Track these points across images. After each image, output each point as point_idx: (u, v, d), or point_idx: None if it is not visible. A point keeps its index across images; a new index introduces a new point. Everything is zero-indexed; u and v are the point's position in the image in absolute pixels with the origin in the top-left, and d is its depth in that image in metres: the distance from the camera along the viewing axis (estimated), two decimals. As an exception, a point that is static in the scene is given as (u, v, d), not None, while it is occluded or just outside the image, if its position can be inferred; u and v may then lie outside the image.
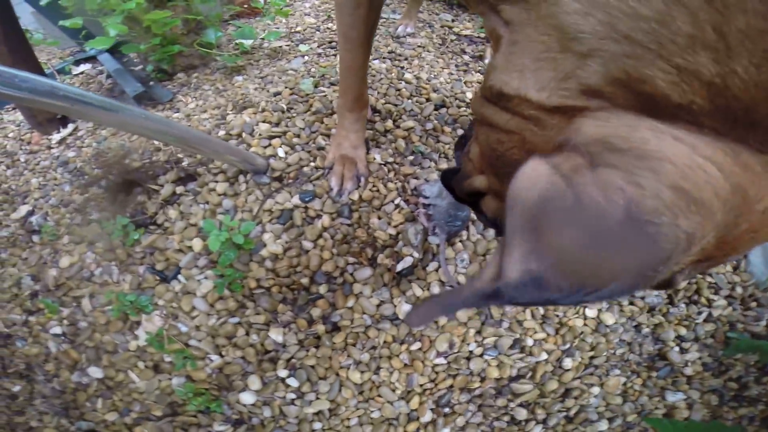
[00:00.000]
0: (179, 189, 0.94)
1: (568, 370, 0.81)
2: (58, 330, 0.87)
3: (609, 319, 0.81)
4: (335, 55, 1.26)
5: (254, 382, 0.79)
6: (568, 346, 0.80)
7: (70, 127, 1.28)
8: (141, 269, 0.87)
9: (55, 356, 0.86)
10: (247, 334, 0.80)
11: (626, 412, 0.83)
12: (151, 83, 1.35)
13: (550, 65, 0.29)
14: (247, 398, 0.79)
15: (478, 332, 0.80)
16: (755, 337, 0.85)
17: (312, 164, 0.93)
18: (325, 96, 1.07)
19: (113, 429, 0.82)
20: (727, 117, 0.22)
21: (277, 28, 1.46)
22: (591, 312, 0.81)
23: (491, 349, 0.80)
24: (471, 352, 0.80)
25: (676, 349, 0.84)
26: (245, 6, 1.61)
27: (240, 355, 0.79)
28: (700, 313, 0.86)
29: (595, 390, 0.82)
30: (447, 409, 0.79)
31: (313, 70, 1.19)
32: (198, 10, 1.33)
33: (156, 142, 1.10)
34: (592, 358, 0.81)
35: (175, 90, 1.29)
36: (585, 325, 0.81)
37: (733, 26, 0.20)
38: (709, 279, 0.89)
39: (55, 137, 1.27)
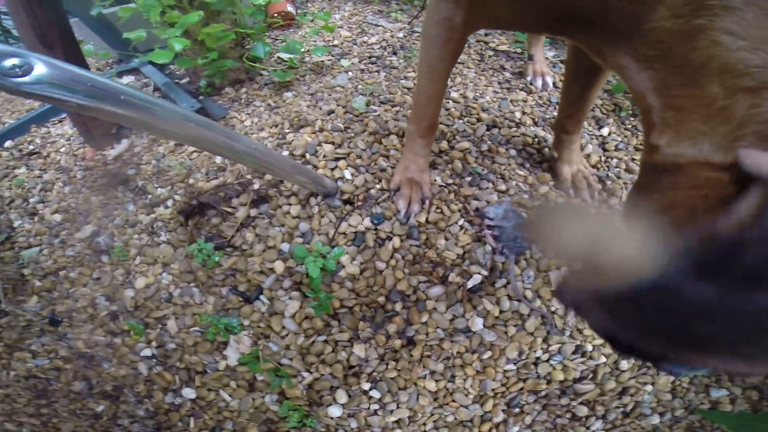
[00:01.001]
0: (253, 212, 0.98)
1: (624, 371, 0.88)
2: (148, 352, 0.92)
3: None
4: (378, 71, 1.29)
5: (341, 396, 0.85)
6: (627, 354, 0.87)
7: (125, 142, 1.31)
8: (224, 291, 0.92)
9: (146, 378, 0.91)
10: (334, 351, 0.86)
11: (675, 407, 0.90)
12: (201, 98, 1.37)
13: (723, 117, 0.29)
14: (334, 411, 0.85)
15: (544, 340, 0.87)
16: None
17: (377, 186, 0.97)
18: (378, 115, 1.11)
19: None
20: None
21: (316, 43, 1.48)
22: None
23: (556, 355, 0.86)
24: (538, 358, 0.86)
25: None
26: (277, 15, 1.62)
27: (329, 372, 0.85)
28: None
29: (648, 388, 0.89)
30: (516, 410, 0.86)
31: (360, 87, 1.23)
32: (245, 23, 1.35)
33: (218, 160, 1.13)
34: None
35: (226, 106, 1.32)
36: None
37: None
38: None
39: (111, 153, 1.30)
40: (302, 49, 1.37)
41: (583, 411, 0.88)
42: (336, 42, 1.46)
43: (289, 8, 1.59)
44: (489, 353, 0.86)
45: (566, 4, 0.46)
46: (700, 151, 0.30)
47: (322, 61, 1.37)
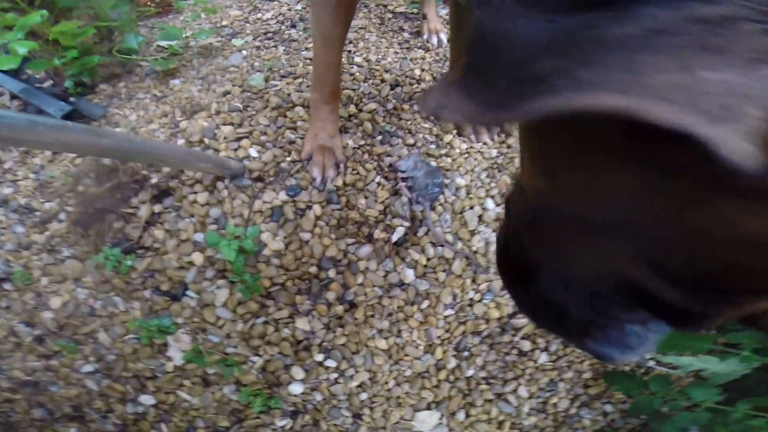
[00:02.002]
0: (157, 207, 0.90)
1: None
2: (89, 368, 0.85)
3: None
4: (275, 46, 1.23)
5: (298, 372, 0.82)
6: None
7: (-10, 161, 1.13)
8: (146, 293, 0.84)
9: (99, 392, 0.85)
10: (277, 330, 0.83)
11: None
12: (72, 99, 1.22)
13: None
14: (296, 389, 0.82)
15: (473, 281, 0.90)
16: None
17: (288, 159, 0.94)
18: (279, 89, 1.06)
19: None
20: None
21: (200, 26, 1.37)
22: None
23: (487, 294, 0.90)
24: (471, 299, 0.90)
25: None
26: (150, 3, 1.47)
27: (277, 351, 0.82)
28: None
29: None
30: (466, 353, 0.89)
31: (256, 64, 1.16)
32: (107, 15, 1.21)
33: (107, 161, 1.02)
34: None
35: (104, 104, 1.18)
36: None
37: None
38: None
39: (-23, 176, 1.11)
40: (184, 34, 1.26)
41: (527, 345, 0.92)
42: (225, 22, 1.36)
43: (162, -8, 1.45)
44: (426, 302, 0.88)
45: None
46: None
47: (210, 44, 1.27)
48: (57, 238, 0.94)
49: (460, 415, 0.90)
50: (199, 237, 0.86)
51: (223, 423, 0.83)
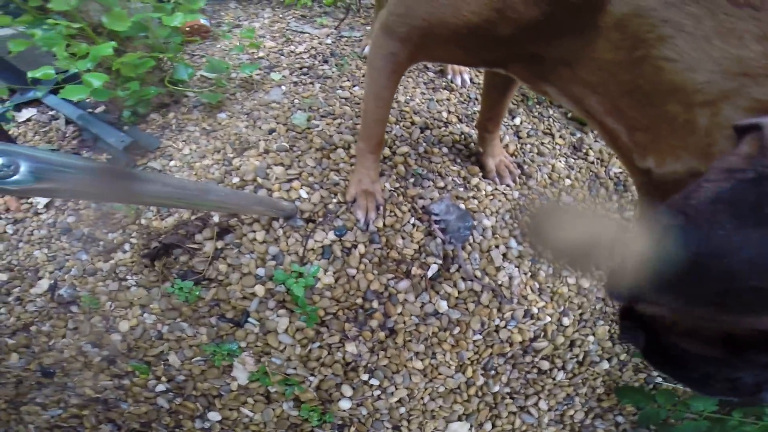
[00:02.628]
0: (219, 244, 1.01)
1: (567, 326, 1.07)
2: (162, 387, 0.96)
3: (585, 282, 1.08)
4: (312, 83, 1.32)
5: (347, 390, 0.95)
6: (562, 308, 1.06)
7: (51, 187, 1.22)
8: (212, 320, 0.96)
9: (169, 410, 0.96)
10: (330, 353, 0.95)
11: (617, 352, 1.11)
12: (126, 128, 1.31)
13: (689, 129, 0.33)
14: (345, 404, 0.95)
15: (499, 310, 1.03)
16: None
17: (334, 201, 1.04)
18: (321, 130, 1.16)
19: None
20: None
21: (238, 57, 1.45)
22: (572, 280, 1.07)
23: (510, 321, 1.03)
24: (497, 326, 1.02)
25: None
26: (190, 29, 1.55)
27: (331, 372, 0.94)
28: None
29: (591, 338, 1.09)
30: (492, 372, 1.02)
31: (296, 102, 1.26)
32: (161, 46, 1.29)
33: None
34: (581, 314, 1.08)
35: (156, 134, 1.28)
36: (570, 290, 1.07)
37: None
38: None
39: (41, 201, 1.21)
40: (227, 67, 1.34)
41: (546, 365, 1.06)
42: (261, 54, 1.45)
43: (203, 21, 1.53)
44: (458, 329, 1.00)
45: (509, 45, 0.51)
46: (687, 163, 0.34)
47: (251, 77, 1.36)
48: (122, 267, 1.04)
49: (488, 426, 1.04)
50: (260, 271, 0.97)
51: None
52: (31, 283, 1.06)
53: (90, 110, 1.38)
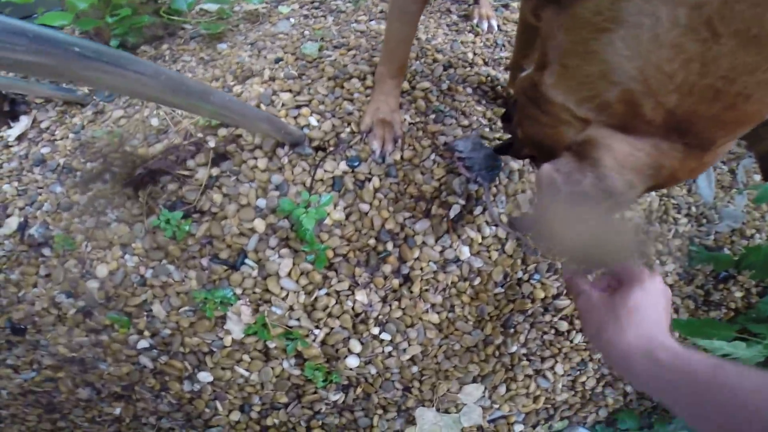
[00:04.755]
0: (214, 171, 0.85)
1: None
2: (144, 343, 0.81)
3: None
4: (324, 16, 1.17)
5: (355, 345, 0.81)
6: (590, 263, 0.93)
7: (25, 119, 1.06)
8: (204, 262, 0.80)
9: (154, 370, 0.81)
10: (338, 302, 0.80)
11: None
12: (114, 58, 1.14)
13: (589, 88, 0.41)
14: (352, 362, 0.81)
15: (523, 261, 0.89)
16: (707, 249, 1.04)
17: (347, 130, 0.90)
18: (335, 60, 1.01)
19: (242, 427, 0.82)
20: (670, 128, 0.38)
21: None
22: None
23: (534, 274, 0.89)
24: (520, 279, 0.89)
25: (657, 262, 1.00)
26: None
27: (339, 324, 0.80)
28: (669, 230, 1.02)
29: None
30: (512, 330, 0.88)
31: (307, 33, 1.11)
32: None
33: (154, 122, 0.96)
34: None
35: (148, 64, 1.11)
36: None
37: (689, 85, 0.36)
38: (672, 201, 1.06)
39: (11, 133, 1.04)
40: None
41: (564, 326, 0.92)
42: (267, -12, 1.30)
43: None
44: (479, 279, 0.86)
45: None
46: (567, 101, 0.44)
47: (256, 10, 1.21)
48: (101, 200, 0.88)
49: (502, 389, 0.90)
50: (261, 202, 0.82)
51: (281, 399, 0.81)
52: (0, 222, 0.90)
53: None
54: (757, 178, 1.15)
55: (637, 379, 0.45)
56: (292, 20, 1.16)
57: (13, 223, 0.89)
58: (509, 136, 0.70)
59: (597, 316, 0.51)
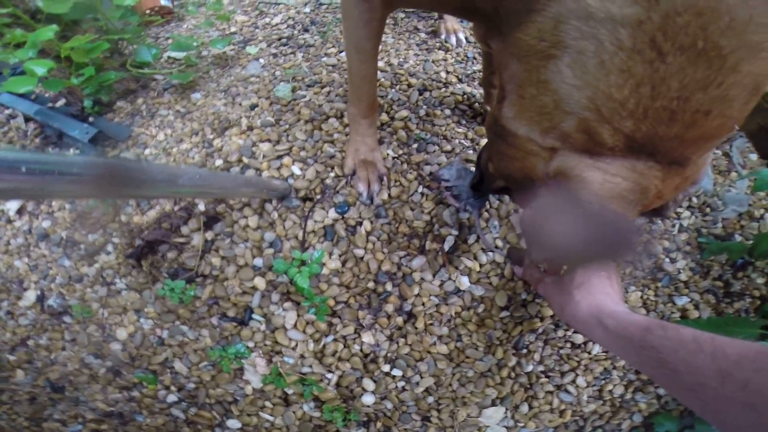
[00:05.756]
0: (209, 235, 0.93)
1: None
2: (173, 397, 0.92)
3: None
4: (293, 53, 1.23)
5: (368, 384, 0.89)
6: (593, 271, 0.99)
7: (16, 193, 1.14)
8: (214, 320, 0.89)
9: (186, 420, 0.92)
10: (346, 346, 0.89)
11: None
12: (91, 119, 1.21)
13: (548, 118, 0.44)
14: (368, 399, 0.89)
15: (526, 282, 0.96)
16: (717, 238, 1.07)
17: (331, 175, 0.96)
18: (309, 100, 1.07)
19: None
20: (636, 151, 0.40)
21: (209, 34, 1.35)
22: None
23: (539, 295, 0.96)
24: (525, 299, 0.96)
25: (667, 260, 1.05)
26: (150, 11, 1.44)
27: (349, 366, 0.88)
28: (674, 225, 1.08)
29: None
30: (524, 350, 0.96)
31: (278, 73, 1.17)
32: (115, 28, 1.19)
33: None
34: (611, 281, 1.01)
35: (126, 122, 1.19)
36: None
37: (643, 109, 0.37)
38: None
39: (10, 207, 1.12)
40: (195, 44, 1.24)
41: (579, 338, 0.99)
42: (234, 29, 1.35)
43: (163, 2, 1.42)
44: (482, 306, 0.94)
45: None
46: (531, 132, 0.46)
47: (224, 53, 1.27)
48: (108, 270, 0.97)
49: (524, 408, 0.98)
50: (258, 261, 0.90)
51: None
52: (18, 295, 1.02)
53: (50, 105, 1.28)
54: (753, 157, 1.20)
55: (601, 344, 0.55)
56: (261, 61, 1.22)
57: (31, 295, 1.00)
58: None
59: (557, 298, 0.64)
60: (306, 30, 1.30)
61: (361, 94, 0.85)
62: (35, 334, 0.98)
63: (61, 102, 1.28)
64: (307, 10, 1.37)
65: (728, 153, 1.20)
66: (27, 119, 1.28)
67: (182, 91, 1.21)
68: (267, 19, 1.38)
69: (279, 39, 1.28)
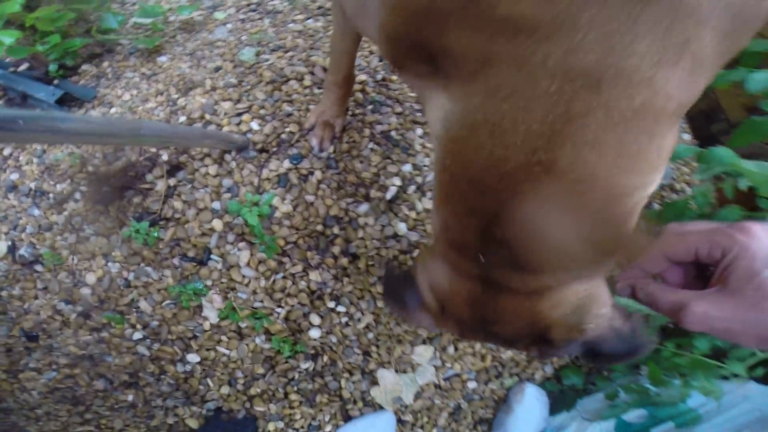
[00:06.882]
0: (172, 181, 1.09)
1: None
2: (138, 335, 1.07)
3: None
4: (261, 18, 1.39)
5: (315, 319, 1.06)
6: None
7: (-14, 147, 1.27)
8: (175, 261, 1.05)
9: (151, 357, 1.08)
10: (294, 283, 1.05)
11: None
12: (56, 82, 1.35)
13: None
14: (314, 333, 1.07)
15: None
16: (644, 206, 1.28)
17: (287, 130, 1.13)
18: (272, 64, 1.24)
19: (233, 399, 1.08)
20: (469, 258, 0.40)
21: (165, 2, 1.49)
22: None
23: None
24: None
25: None
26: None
27: (297, 302, 1.05)
28: None
29: None
30: None
31: (244, 38, 1.33)
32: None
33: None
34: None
35: (92, 84, 1.33)
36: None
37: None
38: None
39: (-24, 162, 1.26)
40: (162, 11, 1.39)
41: None
42: (201, -6, 1.50)
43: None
44: (417, 251, 1.11)
45: None
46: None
47: (192, 18, 1.42)
48: (77, 218, 1.12)
49: (450, 349, 1.17)
50: (216, 205, 1.06)
51: (258, 370, 1.06)
52: None
53: (12, 69, 1.41)
54: (686, 137, 1.40)
55: None
56: (229, 26, 1.38)
57: (2, 246, 1.13)
58: None
59: (720, 323, 0.38)
60: (276, -5, 1.46)
61: (339, 65, 0.99)
62: (8, 285, 1.12)
63: (23, 67, 1.41)
64: (279, -23, 1.53)
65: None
66: (-8, 84, 1.41)
67: (148, 54, 1.36)
68: (237, -16, 1.53)
69: (248, 5, 1.44)
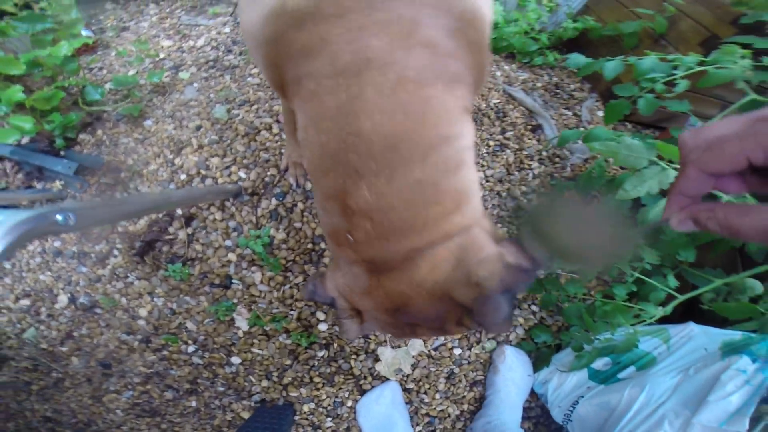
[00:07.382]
0: (189, 230, 1.46)
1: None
2: (192, 348, 1.45)
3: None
4: (221, 75, 1.70)
5: (320, 315, 1.48)
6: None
7: (19, 223, 1.59)
8: (207, 289, 1.44)
9: (203, 365, 1.47)
10: (298, 290, 1.47)
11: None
12: (63, 153, 1.66)
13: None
14: (323, 327, 1.49)
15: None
16: (568, 180, 1.59)
17: (269, 173, 1.50)
18: (242, 118, 1.58)
19: (272, 390, 1.48)
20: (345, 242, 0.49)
21: (131, 60, 1.77)
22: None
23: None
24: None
25: (525, 200, 1.65)
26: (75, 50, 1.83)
27: (303, 304, 1.47)
28: (527, 174, 1.65)
29: None
30: None
31: (212, 95, 1.65)
32: (58, 72, 1.61)
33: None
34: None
35: (95, 153, 1.64)
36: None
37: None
38: (524, 152, 1.69)
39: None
40: (134, 80, 1.68)
41: None
42: (162, 55, 1.78)
43: (84, 32, 1.81)
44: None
45: None
46: None
47: (161, 81, 1.71)
48: (120, 269, 1.48)
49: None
50: (228, 242, 1.44)
51: (286, 362, 1.49)
52: (52, 300, 1.50)
53: (16, 144, 1.70)
54: (601, 114, 1.79)
55: None
56: (196, 85, 1.69)
57: (63, 299, 1.49)
58: None
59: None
60: (229, 51, 1.76)
61: (287, 116, 1.30)
62: (76, 327, 1.49)
63: (25, 140, 1.70)
64: (227, 30, 1.81)
65: (578, 113, 1.80)
66: (1, 159, 1.70)
67: (134, 120, 1.67)
68: (191, 42, 1.81)
69: (206, 62, 1.73)
